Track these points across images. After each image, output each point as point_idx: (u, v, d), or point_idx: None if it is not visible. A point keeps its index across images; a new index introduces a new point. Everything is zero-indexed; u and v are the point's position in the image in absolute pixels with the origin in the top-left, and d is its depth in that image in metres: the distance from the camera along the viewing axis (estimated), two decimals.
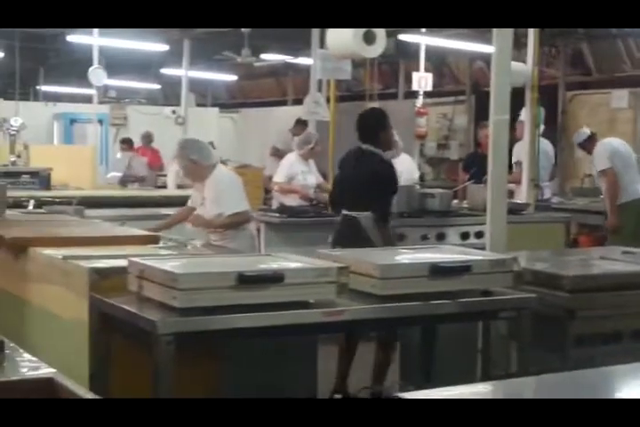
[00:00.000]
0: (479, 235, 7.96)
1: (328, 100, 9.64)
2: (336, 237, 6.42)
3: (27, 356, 2.82)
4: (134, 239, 5.16)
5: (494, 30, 5.66)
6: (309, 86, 10.69)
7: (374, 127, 6.52)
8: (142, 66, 19.51)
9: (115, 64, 16.18)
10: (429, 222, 8.26)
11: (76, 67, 17.27)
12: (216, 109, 20.63)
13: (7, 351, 2.79)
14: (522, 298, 4.39)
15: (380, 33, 7.60)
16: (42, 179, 10.85)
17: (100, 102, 15.59)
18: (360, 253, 4.72)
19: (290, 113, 14.89)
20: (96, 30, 13.18)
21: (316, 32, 10.61)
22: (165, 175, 13.04)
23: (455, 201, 9.17)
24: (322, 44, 9.83)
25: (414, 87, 13.94)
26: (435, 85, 14.29)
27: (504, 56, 5.68)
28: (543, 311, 4.44)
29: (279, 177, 9.34)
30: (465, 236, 8.29)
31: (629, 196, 9.48)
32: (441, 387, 2.41)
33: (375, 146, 6.41)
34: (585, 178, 12.84)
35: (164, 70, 19.33)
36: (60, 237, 5.02)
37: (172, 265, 3.92)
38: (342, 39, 7.61)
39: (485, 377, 4.53)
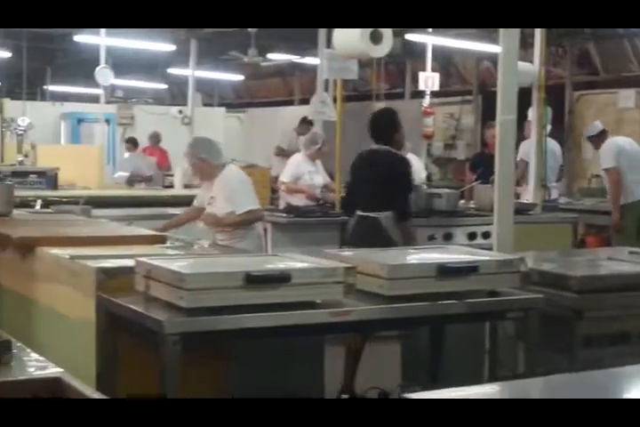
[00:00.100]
0: (486, 235, 7.95)
1: (335, 100, 9.61)
2: (351, 239, 6.43)
3: (34, 355, 2.82)
4: (141, 239, 5.16)
5: (501, 30, 5.65)
6: (316, 86, 10.68)
7: (388, 128, 6.57)
8: (149, 66, 19.53)
9: (122, 64, 16.19)
10: (436, 223, 8.25)
11: (83, 66, 17.27)
12: (223, 109, 20.64)
13: (14, 351, 2.79)
14: (529, 298, 4.38)
15: (387, 33, 7.58)
16: (49, 178, 10.85)
17: (107, 102, 15.60)
18: (367, 253, 4.71)
19: (296, 113, 14.89)
20: (103, 30, 13.19)
21: (322, 32, 10.60)
22: (172, 175, 13.04)
23: (462, 201, 9.17)
24: (328, 43, 9.81)
25: (421, 87, 13.92)
26: (441, 85, 14.27)
27: (511, 56, 5.67)
28: (550, 312, 4.43)
29: (286, 177, 9.34)
30: (472, 236, 8.28)
31: (634, 196, 9.48)
32: (448, 388, 2.41)
33: (389, 146, 6.45)
34: (592, 178, 12.82)
35: (171, 70, 19.34)
36: (68, 237, 5.02)
37: (179, 265, 3.91)
38: (349, 39, 7.60)
39: (493, 378, 4.53)
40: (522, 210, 8.06)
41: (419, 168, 10.20)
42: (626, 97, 14.60)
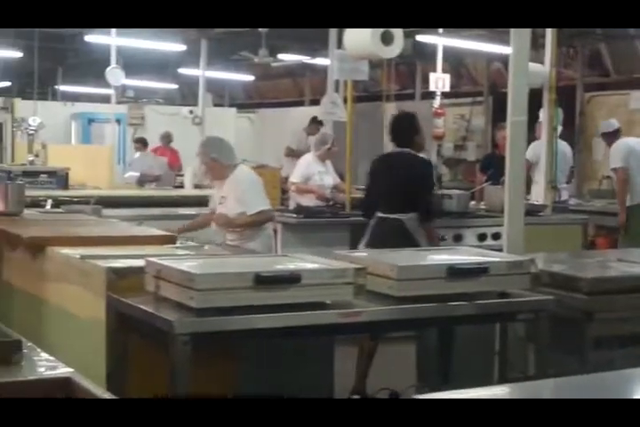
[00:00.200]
0: (496, 236, 7.94)
1: (345, 101, 9.61)
2: (373, 241, 6.45)
3: (44, 355, 2.83)
4: (152, 239, 5.16)
5: (512, 31, 5.64)
6: (326, 87, 10.70)
7: (409, 130, 6.66)
8: (160, 66, 19.55)
9: (132, 64, 16.22)
10: (446, 224, 8.23)
11: (93, 67, 17.31)
12: (233, 109, 20.64)
13: (25, 351, 2.80)
14: (539, 300, 4.38)
15: (398, 33, 7.57)
16: (59, 178, 10.88)
17: (118, 102, 15.61)
18: (377, 254, 4.71)
19: (307, 113, 14.89)
20: (114, 30, 13.22)
21: (333, 32, 10.60)
22: (183, 175, 13.05)
23: (472, 202, 9.15)
24: (339, 44, 9.82)
25: (431, 88, 13.91)
26: (452, 86, 14.26)
27: (522, 57, 5.66)
28: (561, 314, 4.42)
29: (296, 177, 9.34)
30: (482, 237, 8.27)
31: None
32: (458, 389, 2.40)
33: (411, 148, 6.52)
34: (603, 180, 12.80)
35: (182, 70, 19.36)
36: (78, 237, 5.03)
37: (189, 265, 3.92)
38: (360, 40, 7.59)
39: (503, 379, 4.53)
40: (532, 211, 8.04)
41: None
42: (637, 98, 14.57)
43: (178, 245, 5.16)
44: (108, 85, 14.05)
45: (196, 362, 3.63)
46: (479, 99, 17.09)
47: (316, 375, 4.61)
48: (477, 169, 12.18)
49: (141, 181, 13.26)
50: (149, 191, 11.50)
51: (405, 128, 6.71)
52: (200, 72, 15.29)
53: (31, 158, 12.19)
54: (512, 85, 5.65)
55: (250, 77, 20.61)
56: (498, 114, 15.15)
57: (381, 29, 7.45)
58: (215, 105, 20.16)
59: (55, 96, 21.69)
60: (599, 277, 4.83)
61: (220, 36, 14.91)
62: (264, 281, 3.75)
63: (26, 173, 10.76)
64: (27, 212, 6.23)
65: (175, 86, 22.12)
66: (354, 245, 7.89)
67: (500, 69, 16.01)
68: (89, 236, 5.12)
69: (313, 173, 9.27)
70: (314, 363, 4.61)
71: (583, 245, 8.91)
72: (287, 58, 16.82)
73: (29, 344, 2.91)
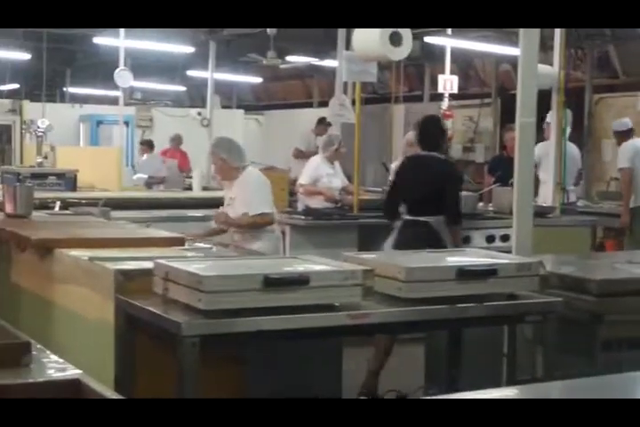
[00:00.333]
0: (505, 238, 7.94)
1: (353, 103, 9.62)
2: (400, 243, 6.49)
3: (53, 357, 2.83)
4: (160, 241, 5.17)
5: (521, 32, 5.63)
6: (335, 88, 10.70)
7: (437, 134, 6.76)
8: (168, 68, 19.57)
9: (141, 66, 16.26)
10: None
11: (102, 68, 17.37)
12: (241, 111, 20.66)
13: (34, 353, 2.80)
14: (548, 302, 4.37)
15: (407, 35, 7.56)
16: (68, 180, 10.90)
17: (126, 104, 15.63)
18: (386, 255, 4.71)
19: (315, 115, 14.89)
20: (122, 32, 13.23)
21: (341, 34, 10.60)
22: (191, 177, 13.07)
23: (481, 204, 9.15)
24: (347, 46, 9.82)
25: (440, 90, 13.89)
26: (460, 88, 14.23)
27: (531, 58, 5.65)
28: (569, 316, 4.41)
29: (304, 179, 9.34)
30: (490, 239, 8.27)
31: None
32: (466, 391, 2.40)
33: (438, 152, 6.60)
34: (611, 181, 12.78)
35: (190, 72, 19.38)
36: (86, 239, 5.03)
37: (197, 267, 3.91)
38: (369, 41, 7.58)
39: (511, 382, 4.51)
40: (540, 213, 8.03)
41: None
42: None
43: (186, 247, 5.17)
44: (116, 87, 14.06)
45: (204, 364, 3.64)
46: (487, 100, 17.06)
47: (324, 377, 4.61)
48: (485, 171, 12.17)
49: (149, 184, 13.28)
50: (157, 193, 11.51)
51: (433, 132, 6.83)
52: (208, 74, 15.30)
53: (40, 160, 12.21)
54: (521, 87, 5.64)
55: (258, 79, 20.63)
56: (506, 115, 15.13)
57: (390, 31, 7.44)
58: (223, 107, 20.18)
59: (63, 98, 21.73)
60: (608, 279, 4.82)
61: (229, 37, 14.92)
62: (273, 283, 3.74)
63: (34, 175, 10.79)
64: (35, 214, 6.24)
65: (183, 88, 22.14)
66: (362, 247, 7.90)
67: (509, 71, 15.99)
68: (97, 238, 5.12)
69: (321, 175, 9.28)
70: (322, 365, 4.61)
71: (592, 246, 8.91)
72: (295, 60, 16.82)
73: (38, 346, 2.91)
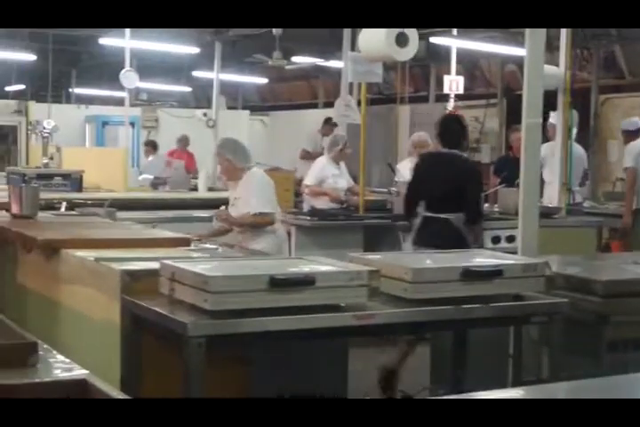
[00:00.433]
0: (510, 239, 7.93)
1: (359, 103, 9.62)
2: (419, 239, 6.52)
3: (60, 357, 2.84)
4: (166, 242, 5.17)
5: (527, 32, 5.62)
6: (340, 89, 10.70)
7: (459, 133, 6.79)
8: (174, 69, 19.60)
9: (146, 67, 16.27)
10: None
11: (108, 69, 17.38)
12: (247, 112, 20.67)
13: (41, 353, 2.81)
14: (554, 303, 4.37)
15: (413, 35, 7.56)
16: (74, 181, 10.90)
17: (132, 105, 15.65)
18: (392, 256, 4.71)
19: (320, 116, 14.89)
20: (128, 33, 13.24)
21: (347, 34, 10.61)
22: (197, 178, 13.08)
23: (486, 205, 9.14)
24: (353, 46, 9.82)
25: (445, 90, 13.88)
26: (466, 88, 14.23)
27: (537, 59, 5.65)
28: (575, 316, 4.41)
29: (310, 180, 9.35)
30: (496, 240, 8.26)
31: None
32: (472, 391, 2.40)
33: (459, 150, 6.63)
34: (617, 182, 12.75)
35: (196, 73, 19.39)
36: (92, 239, 5.04)
37: (203, 268, 3.92)
38: (375, 42, 7.58)
39: (516, 382, 4.51)
40: (546, 214, 8.03)
41: None
42: None
43: (192, 247, 5.17)
44: (122, 88, 14.07)
45: (210, 364, 3.64)
46: (493, 101, 17.05)
47: (330, 378, 4.61)
48: (491, 171, 12.16)
49: (155, 184, 13.28)
50: (163, 194, 11.51)
51: (455, 130, 6.86)
52: (214, 75, 15.29)
53: (45, 161, 12.20)
54: (527, 87, 5.64)
55: (263, 80, 20.63)
56: (512, 116, 15.12)
57: (396, 31, 7.45)
58: (229, 108, 20.19)
59: (69, 99, 21.74)
60: (614, 279, 4.82)
61: (234, 38, 14.92)
62: (278, 284, 3.75)
63: (40, 176, 10.79)
64: (41, 214, 6.24)
65: (189, 89, 22.15)
66: (367, 248, 7.91)
67: (514, 71, 15.98)
68: (103, 238, 5.13)
69: (327, 176, 9.28)
70: (328, 365, 4.61)
71: (598, 247, 8.89)
72: (301, 60, 16.82)
73: (45, 346, 2.92)
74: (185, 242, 5.18)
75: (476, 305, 4.20)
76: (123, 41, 13.61)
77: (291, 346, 4.32)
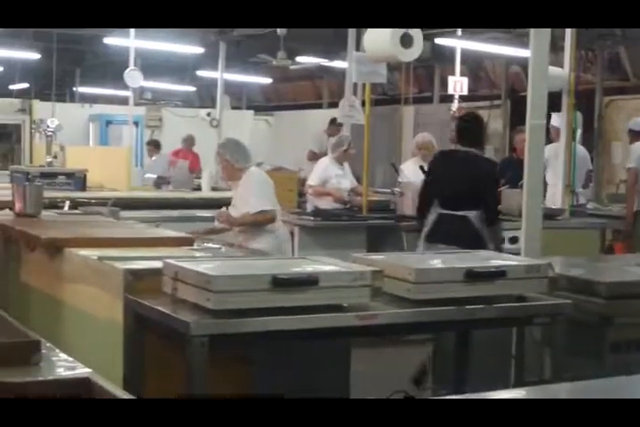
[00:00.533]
0: (514, 240, 7.91)
1: (363, 104, 9.62)
2: (435, 236, 6.54)
3: (63, 356, 2.84)
4: (169, 241, 5.17)
5: (531, 33, 5.62)
6: (344, 89, 10.70)
7: (478, 131, 6.80)
8: (178, 68, 19.61)
9: (151, 66, 16.28)
10: None
11: (112, 68, 17.40)
12: (251, 112, 20.69)
13: (44, 351, 2.81)
14: (557, 304, 4.36)
15: (418, 36, 7.56)
16: (77, 180, 10.91)
17: (136, 104, 15.66)
18: (395, 257, 4.71)
19: (325, 116, 14.90)
20: (132, 33, 13.26)
21: (352, 35, 10.61)
22: (200, 177, 13.08)
23: None
24: (358, 47, 9.82)
25: (450, 91, 13.90)
26: (470, 89, 14.24)
27: (541, 60, 5.65)
28: (578, 318, 4.41)
29: (313, 180, 9.35)
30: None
31: None
32: (474, 392, 2.40)
33: (477, 149, 6.65)
34: (621, 184, 12.74)
35: (200, 73, 19.41)
36: (96, 238, 5.04)
37: (206, 267, 3.92)
38: (380, 42, 7.58)
39: (519, 383, 4.51)
40: (550, 215, 8.02)
41: None
42: None
43: (195, 246, 5.17)
44: (126, 87, 14.09)
45: (212, 363, 3.64)
46: (497, 102, 17.05)
47: (332, 378, 4.61)
48: None
49: (158, 184, 13.30)
50: (166, 193, 11.52)
51: (475, 129, 6.87)
52: (218, 74, 15.31)
53: (49, 160, 12.23)
54: (531, 89, 5.64)
55: (268, 80, 20.65)
56: (516, 117, 15.11)
57: (401, 32, 7.44)
58: (233, 108, 20.20)
59: (73, 98, 21.78)
60: (617, 281, 4.82)
61: (239, 38, 14.93)
62: (281, 283, 3.75)
63: (44, 175, 10.80)
64: (45, 213, 6.24)
65: (193, 89, 22.18)
66: (371, 248, 7.91)
67: (519, 73, 15.98)
68: (107, 237, 5.13)
69: (330, 177, 9.28)
70: (330, 365, 4.61)
71: (601, 249, 8.88)
72: (305, 60, 16.84)
73: (48, 345, 2.92)
74: (188, 241, 5.18)
75: (480, 306, 4.20)
76: (127, 40, 13.63)
77: (293, 346, 4.32)
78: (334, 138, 10.03)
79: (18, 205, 6.02)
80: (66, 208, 7.61)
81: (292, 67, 15.88)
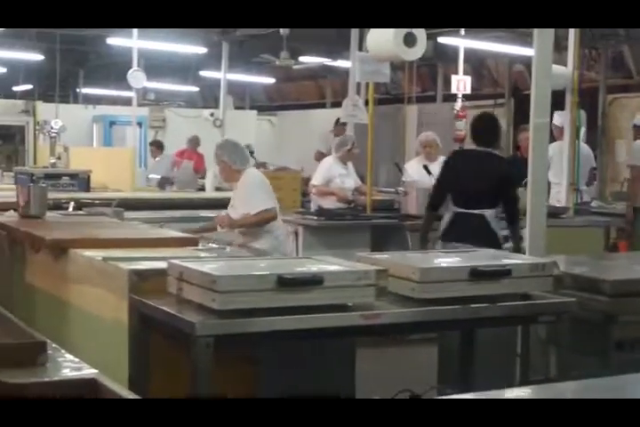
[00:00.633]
0: None
1: (366, 103, 9.63)
2: (450, 234, 6.55)
3: (69, 356, 2.84)
4: (173, 241, 5.17)
5: (535, 32, 5.62)
6: (348, 89, 10.70)
7: (495, 131, 6.83)
8: (181, 68, 19.62)
9: (154, 67, 16.29)
10: None
11: (115, 69, 17.41)
12: (254, 112, 20.69)
13: (50, 352, 2.81)
14: (561, 302, 4.36)
15: (421, 36, 7.56)
16: (81, 181, 10.93)
17: (139, 105, 15.68)
18: (399, 256, 4.71)
19: (328, 116, 14.92)
20: (135, 33, 13.26)
21: (355, 34, 10.61)
22: (204, 178, 13.09)
23: None
24: (361, 46, 9.82)
25: (453, 90, 13.89)
26: (473, 88, 14.23)
27: (545, 58, 5.65)
28: (583, 316, 4.41)
29: (317, 179, 9.35)
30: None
31: None
32: (479, 391, 2.40)
33: (493, 149, 6.68)
34: (625, 182, 12.73)
35: (203, 73, 19.41)
36: (100, 239, 5.05)
37: (211, 267, 3.92)
38: (383, 41, 7.58)
39: (524, 382, 4.51)
40: (554, 213, 8.02)
41: None
42: None
43: (200, 247, 5.18)
44: (129, 88, 14.11)
45: (217, 364, 3.64)
46: (501, 101, 17.04)
47: (337, 377, 4.61)
48: None
49: (162, 184, 13.31)
50: (170, 194, 11.53)
51: (490, 128, 6.91)
52: (221, 75, 15.31)
53: (53, 161, 12.24)
54: (535, 87, 5.64)
55: (271, 80, 20.64)
56: (519, 116, 15.12)
57: (404, 31, 7.45)
58: (236, 108, 20.22)
59: (77, 99, 21.78)
60: (622, 279, 4.81)
61: (242, 38, 14.94)
62: (286, 283, 3.75)
63: (48, 176, 10.81)
64: (49, 214, 6.25)
65: (196, 89, 22.18)
66: (375, 248, 7.91)
67: (522, 71, 15.97)
68: (111, 238, 5.14)
69: (334, 176, 9.29)
70: (335, 365, 4.61)
71: (605, 247, 8.88)
72: (308, 60, 16.83)
73: (54, 345, 2.92)
74: (192, 242, 5.19)
75: (484, 305, 4.20)
76: (130, 41, 13.63)
77: (298, 346, 4.32)
78: (339, 138, 10.03)
79: (22, 207, 6.03)
80: (70, 209, 7.62)
81: (295, 66, 15.87)
